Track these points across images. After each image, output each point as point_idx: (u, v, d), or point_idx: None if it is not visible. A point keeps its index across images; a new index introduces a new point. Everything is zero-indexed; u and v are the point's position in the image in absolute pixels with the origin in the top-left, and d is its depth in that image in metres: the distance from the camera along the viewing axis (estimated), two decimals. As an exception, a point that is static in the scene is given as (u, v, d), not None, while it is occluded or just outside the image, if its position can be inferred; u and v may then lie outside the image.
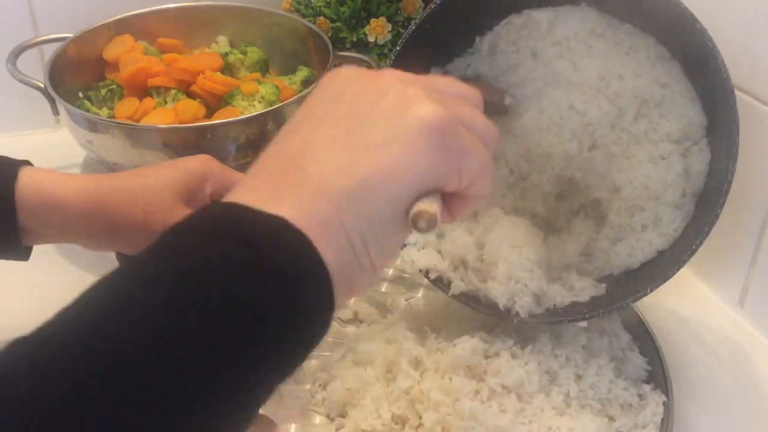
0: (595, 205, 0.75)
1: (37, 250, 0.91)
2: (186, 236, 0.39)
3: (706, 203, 0.68)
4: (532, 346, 0.69)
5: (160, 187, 0.68)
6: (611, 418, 0.66)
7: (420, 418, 0.66)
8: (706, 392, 0.75)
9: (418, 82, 0.47)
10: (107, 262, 0.89)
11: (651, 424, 0.66)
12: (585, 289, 0.72)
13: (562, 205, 0.78)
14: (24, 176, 0.67)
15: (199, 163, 0.70)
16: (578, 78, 0.73)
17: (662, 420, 0.67)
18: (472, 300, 0.72)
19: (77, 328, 0.36)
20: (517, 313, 0.70)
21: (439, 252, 0.75)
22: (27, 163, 0.70)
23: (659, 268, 0.69)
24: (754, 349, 0.80)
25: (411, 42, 0.72)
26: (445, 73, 0.77)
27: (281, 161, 0.44)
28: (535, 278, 0.70)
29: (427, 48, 0.74)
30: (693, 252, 0.64)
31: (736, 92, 0.74)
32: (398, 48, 0.73)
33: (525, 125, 0.74)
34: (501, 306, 0.70)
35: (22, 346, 0.36)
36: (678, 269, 0.65)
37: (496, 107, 0.73)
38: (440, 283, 0.74)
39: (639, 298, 0.67)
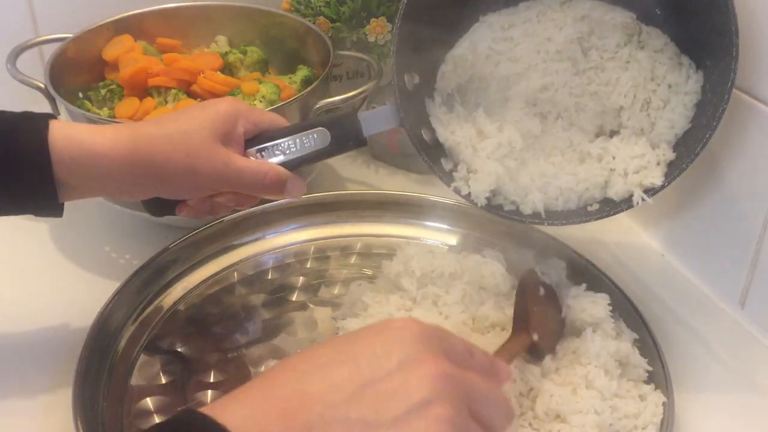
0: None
1: (37, 248, 0.91)
2: None
3: (706, 35, 0.73)
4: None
5: (197, 129, 0.69)
6: (611, 419, 0.66)
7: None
8: (706, 392, 0.75)
9: (459, 389, 0.47)
10: (106, 260, 0.89)
11: (651, 425, 0.66)
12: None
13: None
14: (56, 128, 0.67)
15: (227, 105, 0.72)
16: (523, 65, 0.78)
17: (662, 420, 0.67)
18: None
19: None
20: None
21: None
22: (53, 116, 0.70)
23: (713, 103, 0.72)
24: (754, 349, 0.80)
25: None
26: None
27: (306, 411, 0.45)
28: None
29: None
30: (735, 67, 0.69)
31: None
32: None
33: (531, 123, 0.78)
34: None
35: None
36: (731, 85, 0.70)
37: (539, 351, 0.71)
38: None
39: (716, 128, 0.71)
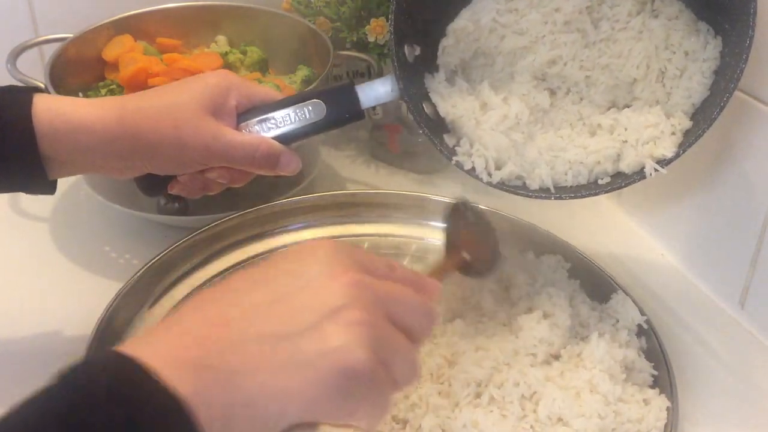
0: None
1: (37, 248, 0.91)
2: (68, 395, 0.39)
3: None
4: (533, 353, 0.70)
5: (185, 100, 0.68)
6: (614, 424, 0.66)
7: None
8: (705, 392, 0.75)
9: (373, 295, 0.47)
10: (106, 260, 0.89)
11: (654, 430, 0.66)
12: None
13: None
14: (40, 101, 0.66)
15: (219, 77, 0.70)
16: (530, 38, 0.75)
17: (665, 426, 0.66)
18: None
19: None
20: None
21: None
22: (38, 89, 0.68)
23: (731, 66, 0.69)
24: (754, 349, 0.80)
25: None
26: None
27: (221, 334, 0.44)
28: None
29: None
30: (753, 24, 0.67)
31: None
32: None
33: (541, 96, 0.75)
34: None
35: None
36: (750, 44, 0.67)
37: (474, 270, 0.72)
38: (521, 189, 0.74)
39: (733, 90, 0.68)
